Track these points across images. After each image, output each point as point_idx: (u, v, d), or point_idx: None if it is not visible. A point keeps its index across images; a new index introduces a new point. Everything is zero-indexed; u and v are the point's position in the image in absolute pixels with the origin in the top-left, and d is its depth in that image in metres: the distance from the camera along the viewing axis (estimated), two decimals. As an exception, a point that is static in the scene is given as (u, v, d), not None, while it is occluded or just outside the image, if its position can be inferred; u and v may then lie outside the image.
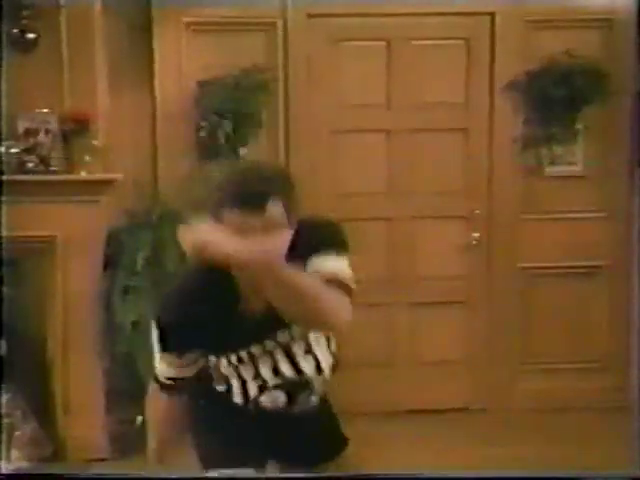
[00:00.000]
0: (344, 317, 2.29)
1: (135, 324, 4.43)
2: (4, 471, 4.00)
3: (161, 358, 2.50)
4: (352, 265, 2.41)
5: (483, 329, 5.24)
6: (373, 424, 4.89)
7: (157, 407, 2.67)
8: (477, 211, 5.17)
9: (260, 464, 2.59)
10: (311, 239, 2.37)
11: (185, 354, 2.47)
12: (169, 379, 2.54)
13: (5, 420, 4.29)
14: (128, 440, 4.59)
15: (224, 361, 2.53)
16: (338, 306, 2.28)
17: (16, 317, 4.37)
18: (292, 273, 2.18)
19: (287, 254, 2.25)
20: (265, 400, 2.57)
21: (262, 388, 2.55)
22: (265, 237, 2.20)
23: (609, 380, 5.20)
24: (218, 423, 2.62)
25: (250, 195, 2.21)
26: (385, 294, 5.17)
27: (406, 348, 5.22)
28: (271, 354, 2.50)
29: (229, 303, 2.40)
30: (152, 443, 2.69)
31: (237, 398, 2.58)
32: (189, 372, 2.53)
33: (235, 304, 2.41)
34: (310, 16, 4.97)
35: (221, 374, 2.57)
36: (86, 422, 4.50)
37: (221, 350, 2.51)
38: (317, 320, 2.30)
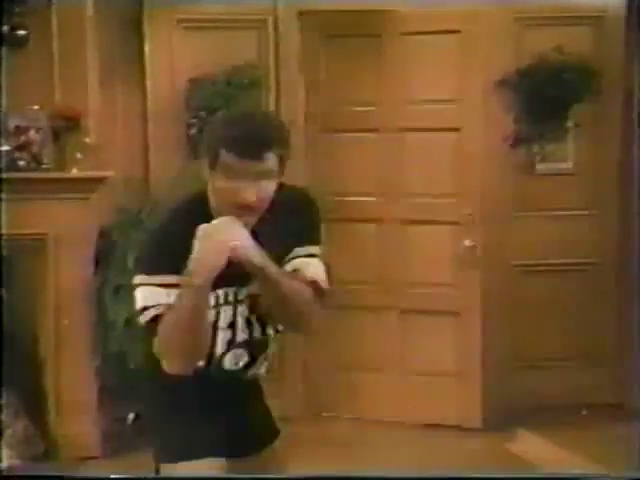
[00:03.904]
0: (314, 325, 2.50)
1: (127, 322, 4.42)
2: (-3, 469, 4.00)
3: (146, 284, 2.35)
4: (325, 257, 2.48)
5: (477, 330, 5.04)
6: (352, 430, 4.88)
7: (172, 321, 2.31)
8: (468, 213, 4.94)
9: (212, 451, 2.47)
10: (292, 220, 2.40)
11: (167, 273, 2.31)
12: (157, 307, 2.33)
13: (-3, 418, 4.30)
14: (120, 438, 4.59)
15: None
16: (313, 315, 2.44)
17: (8, 315, 4.36)
18: (282, 276, 2.31)
19: (265, 218, 2.33)
20: (229, 360, 2.50)
21: (230, 344, 2.48)
22: (257, 184, 2.26)
23: (602, 377, 5.20)
24: (172, 402, 2.50)
25: (252, 142, 2.24)
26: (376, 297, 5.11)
27: (396, 354, 5.09)
28: (243, 303, 2.44)
29: None
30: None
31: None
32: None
33: None
34: (301, 13, 4.98)
35: None
36: (78, 420, 4.49)
37: None
38: (294, 324, 2.52)
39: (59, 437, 4.48)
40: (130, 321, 4.42)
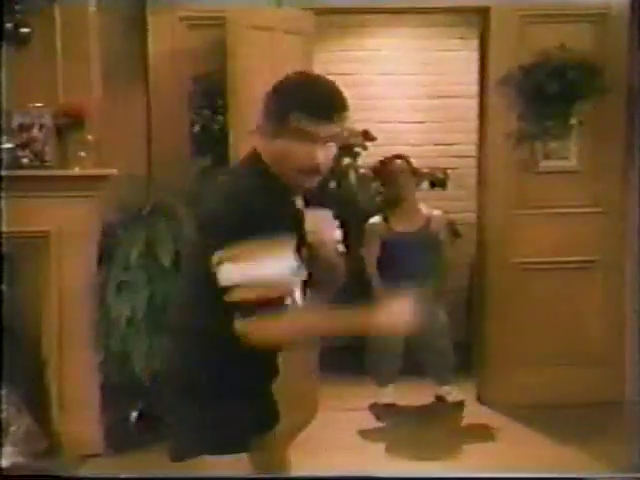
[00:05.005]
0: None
1: (129, 320, 4.42)
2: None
3: (238, 256, 2.21)
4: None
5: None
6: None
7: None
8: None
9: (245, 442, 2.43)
10: None
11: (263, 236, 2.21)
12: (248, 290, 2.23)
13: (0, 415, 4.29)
14: (123, 436, 4.59)
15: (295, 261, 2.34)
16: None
17: (10, 312, 4.36)
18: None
19: None
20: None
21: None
22: (326, 147, 2.29)
23: (603, 375, 5.20)
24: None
25: (327, 104, 2.27)
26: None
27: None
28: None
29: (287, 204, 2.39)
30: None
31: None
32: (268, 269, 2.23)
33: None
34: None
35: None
36: (81, 418, 4.49)
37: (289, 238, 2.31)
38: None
39: (62, 434, 4.47)
40: (132, 319, 4.42)
